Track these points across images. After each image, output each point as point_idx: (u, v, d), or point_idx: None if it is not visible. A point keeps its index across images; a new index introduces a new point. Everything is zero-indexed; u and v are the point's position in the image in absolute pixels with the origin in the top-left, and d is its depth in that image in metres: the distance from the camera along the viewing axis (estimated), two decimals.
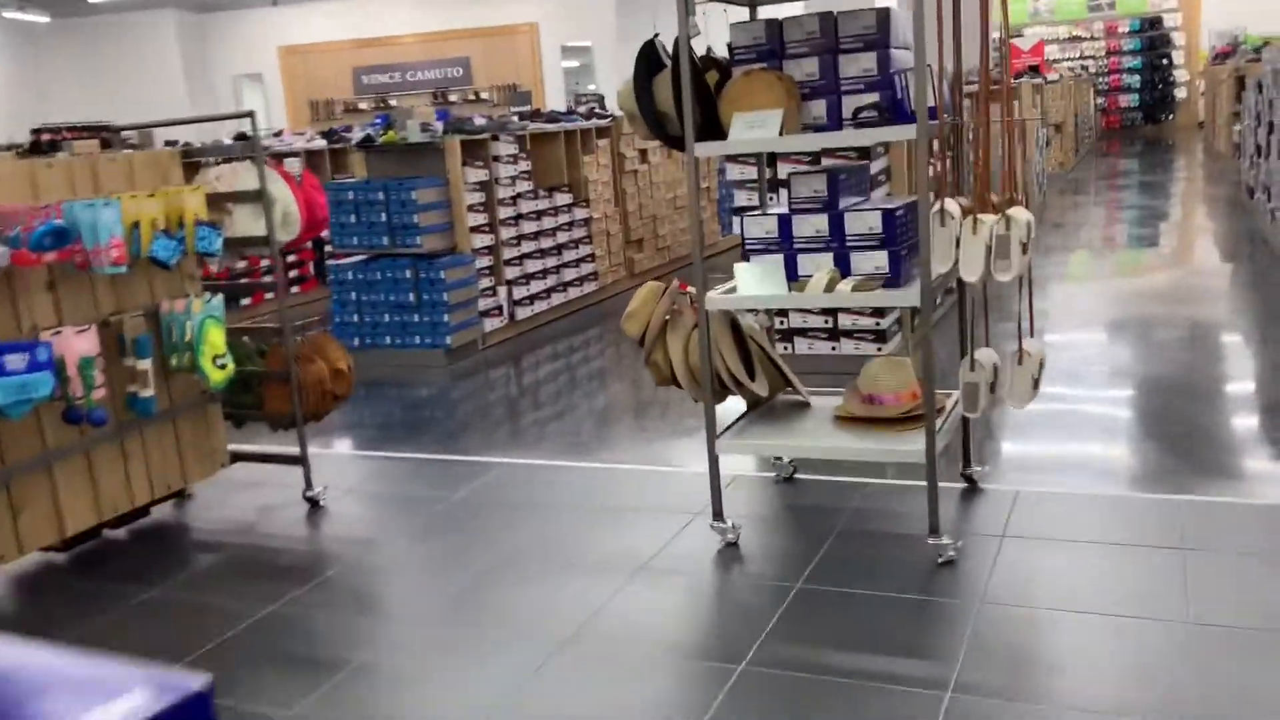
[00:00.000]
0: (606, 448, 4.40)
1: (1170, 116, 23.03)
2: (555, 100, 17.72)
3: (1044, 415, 4.19)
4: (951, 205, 2.95)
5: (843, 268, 3.19)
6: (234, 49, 19.23)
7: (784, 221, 3.26)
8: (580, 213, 7.73)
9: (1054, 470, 3.71)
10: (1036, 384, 3.16)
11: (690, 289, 3.27)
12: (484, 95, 18.72)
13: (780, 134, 2.96)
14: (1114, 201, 11.26)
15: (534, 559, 3.31)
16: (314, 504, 3.94)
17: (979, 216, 2.93)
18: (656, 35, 3.19)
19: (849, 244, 3.18)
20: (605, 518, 3.61)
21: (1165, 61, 22.96)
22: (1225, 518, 3.22)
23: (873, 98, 3.03)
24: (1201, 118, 21.33)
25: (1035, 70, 14.69)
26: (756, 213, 3.36)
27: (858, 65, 3.06)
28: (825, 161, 5.07)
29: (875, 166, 5.14)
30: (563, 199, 7.51)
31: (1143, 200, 11.26)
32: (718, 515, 3.28)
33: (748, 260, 3.31)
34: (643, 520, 3.55)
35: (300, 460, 3.92)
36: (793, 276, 3.25)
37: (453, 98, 19.09)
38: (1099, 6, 23.17)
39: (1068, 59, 23.16)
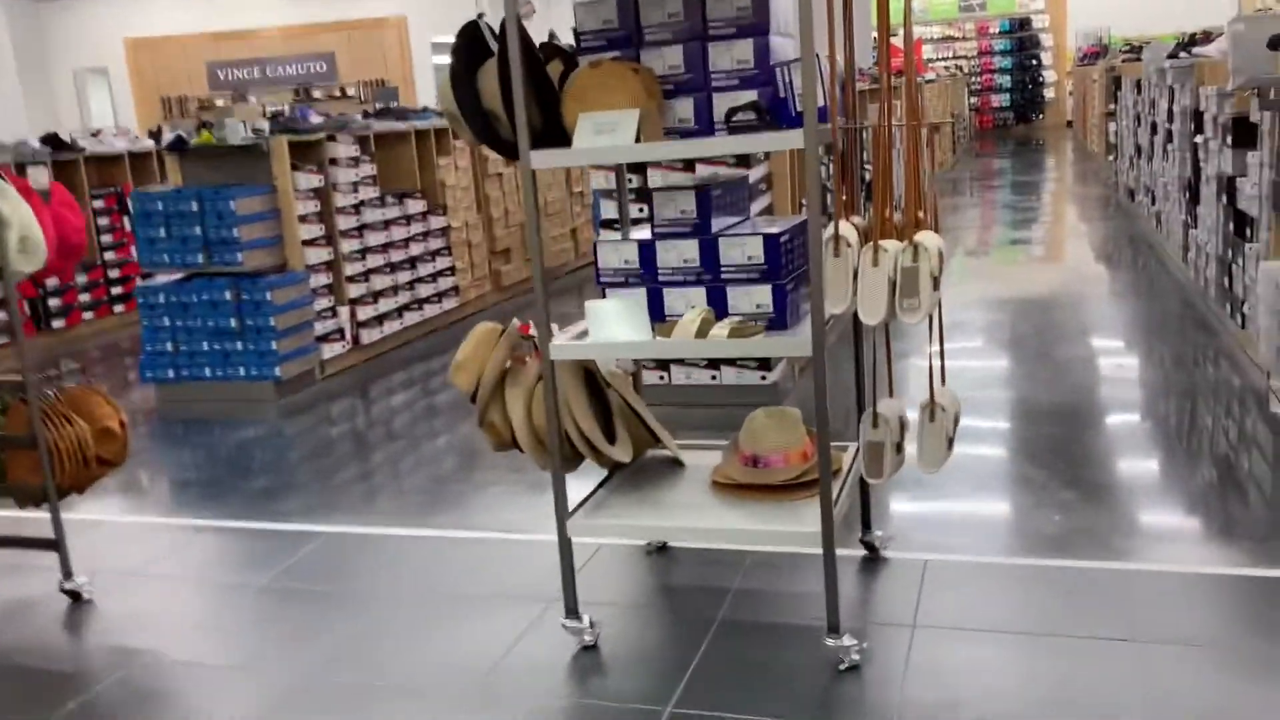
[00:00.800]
0: (454, 507, 3.73)
1: (1040, 116, 23.43)
2: (427, 96, 16.83)
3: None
4: (847, 230, 2.39)
5: (718, 306, 2.60)
6: (75, 40, 17.72)
7: (646, 249, 2.66)
8: (436, 221, 7.01)
9: (964, 529, 3.21)
10: (951, 443, 2.63)
11: (533, 331, 2.63)
12: (350, 92, 17.68)
13: (637, 140, 2.35)
14: (996, 203, 11.08)
15: (342, 678, 2.63)
16: (75, 598, 3.17)
17: (880, 244, 2.38)
18: (481, 15, 2.54)
19: (725, 276, 2.60)
20: (440, 610, 2.94)
21: (1035, 62, 23.35)
22: (1165, 592, 2.76)
23: (750, 96, 2.45)
24: (1070, 117, 21.73)
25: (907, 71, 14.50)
26: (613, 237, 2.75)
27: (731, 56, 2.47)
28: (702, 170, 4.49)
29: (755, 174, 4.59)
30: (415, 206, 6.78)
31: (1025, 201, 11.11)
32: (572, 611, 2.66)
33: (605, 296, 2.70)
34: (486, 613, 2.90)
35: (55, 544, 3.14)
36: (658, 316, 2.65)
37: (317, 94, 17.97)
38: (970, 7, 23.40)
39: (941, 59, 23.34)
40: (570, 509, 2.62)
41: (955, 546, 3.08)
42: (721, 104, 2.48)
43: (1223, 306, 5.21)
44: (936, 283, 2.37)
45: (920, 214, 2.48)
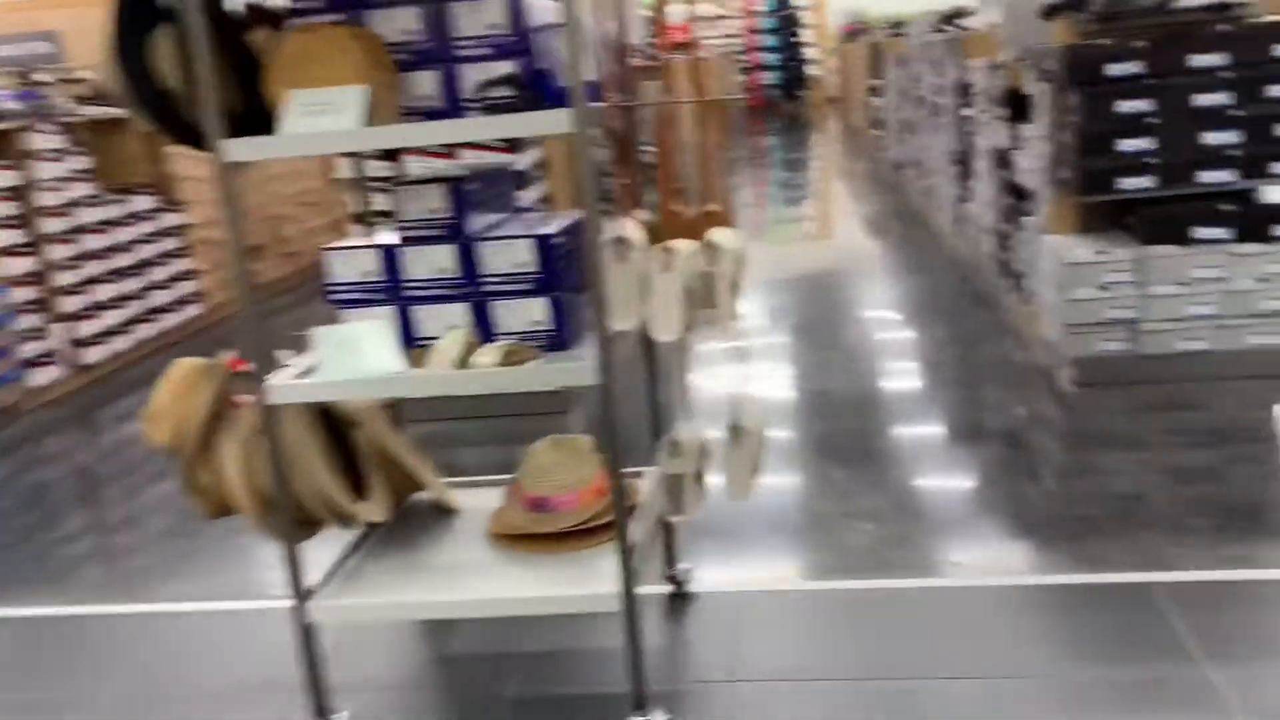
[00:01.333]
0: (183, 572, 3.11)
1: (805, 92, 24.09)
2: None
3: None
4: (632, 229, 1.98)
5: (483, 325, 2.15)
6: None
7: (389, 257, 2.16)
8: (171, 219, 6.17)
9: (775, 549, 2.90)
10: (757, 468, 2.29)
11: (249, 366, 2.08)
12: (84, 75, 15.87)
13: (365, 124, 1.86)
14: (773, 181, 11.10)
15: None
16: None
17: (670, 245, 1.99)
18: None
19: (489, 288, 2.14)
20: (155, 717, 2.36)
21: (798, 40, 23.97)
22: (993, 609, 2.53)
23: (505, 68, 2.00)
24: (834, 93, 22.43)
25: (685, 47, 14.43)
26: (348, 246, 2.24)
27: (479, 19, 2.01)
28: (468, 157, 3.99)
29: (524, 161, 4.14)
30: (144, 203, 5.92)
31: (797, 179, 11.19)
32: (322, 712, 2.15)
33: (341, 319, 2.18)
34: (216, 714, 2.34)
35: None
36: (409, 342, 2.17)
37: (44, 78, 16.05)
38: None
39: (709, 38, 23.57)
40: (311, 587, 2.11)
41: (768, 572, 2.77)
42: (470, 78, 2.01)
43: (1002, 280, 5.21)
44: (738, 289, 2.00)
45: (713, 207, 2.11)
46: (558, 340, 2.14)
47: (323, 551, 2.22)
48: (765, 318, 5.34)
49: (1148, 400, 3.74)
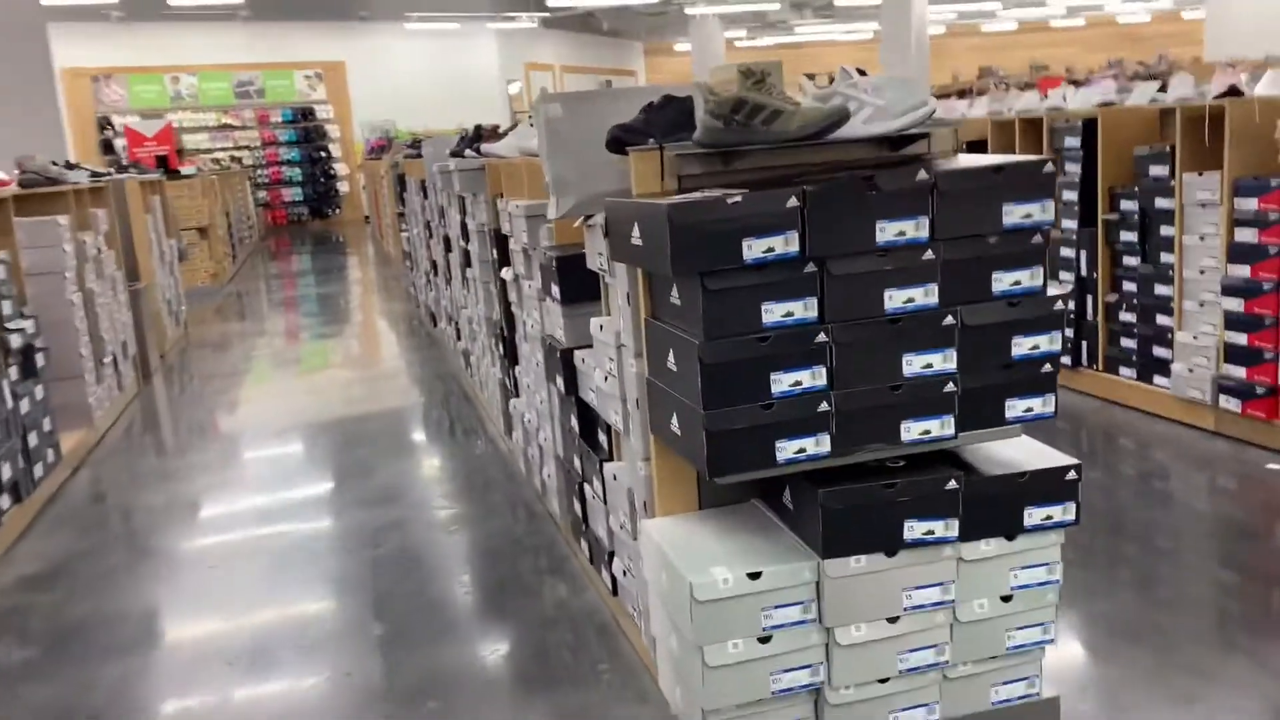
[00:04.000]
0: None
1: (337, 210, 21.92)
2: None
3: None
4: None
5: None
6: None
7: None
8: None
9: None
10: None
11: None
12: None
13: None
14: (282, 329, 8.74)
15: None
16: None
17: None
18: None
19: None
20: None
21: (324, 154, 21.82)
22: None
23: None
24: (367, 211, 20.49)
25: (164, 162, 11.69)
26: None
27: None
28: None
29: None
30: None
31: (320, 324, 8.95)
32: None
33: None
34: None
35: None
36: None
37: None
38: (247, 93, 21.12)
39: (221, 148, 20.70)
40: None
41: None
42: None
43: (576, 542, 3.39)
44: None
45: None
46: None
47: None
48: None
49: None
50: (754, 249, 1.95)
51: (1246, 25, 13.29)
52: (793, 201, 1.95)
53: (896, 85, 2.10)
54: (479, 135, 5.22)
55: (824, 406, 2.02)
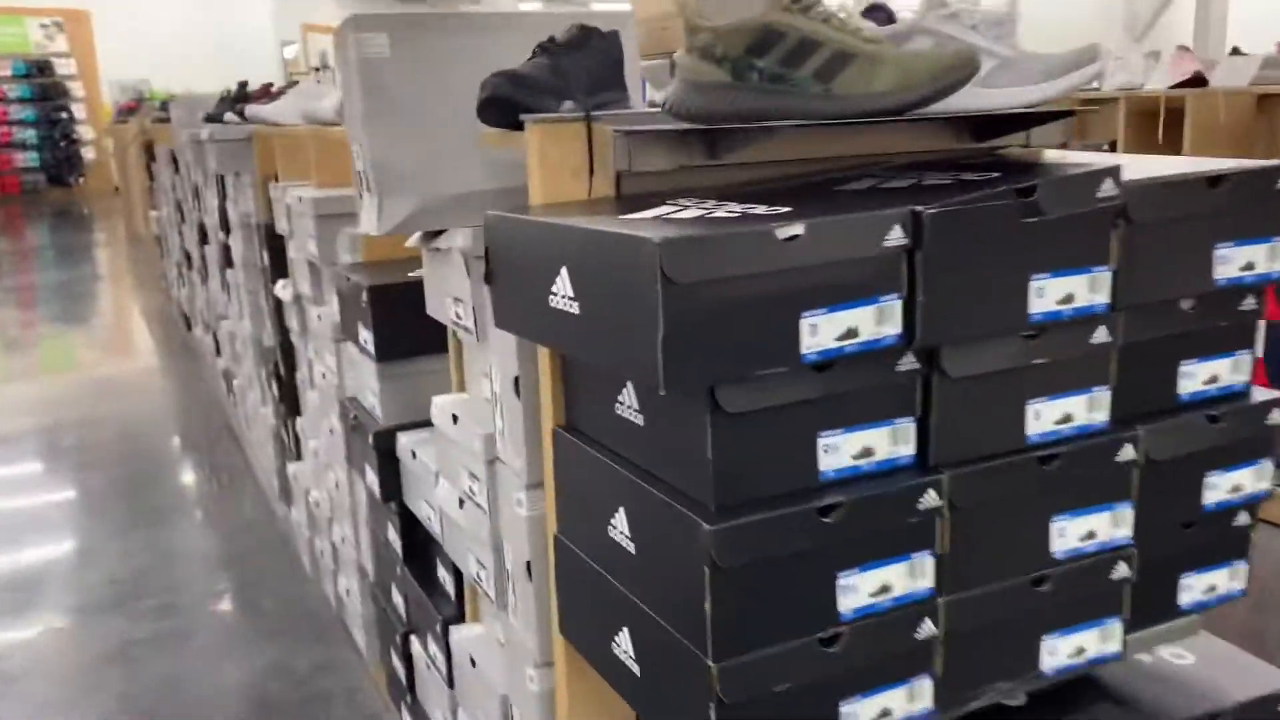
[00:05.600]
0: None
1: (81, 179, 19.17)
2: None
3: None
4: None
5: None
6: None
7: None
8: None
9: None
10: None
11: None
12: None
13: None
14: (11, 323, 6.96)
15: None
16: None
17: None
18: None
19: None
20: None
21: (66, 115, 19.02)
22: None
23: None
24: (117, 182, 17.96)
25: None
26: None
27: None
28: None
29: None
30: None
31: (45, 321, 7.20)
32: None
33: None
34: None
35: None
36: None
37: None
38: None
39: None
40: None
41: None
42: None
43: (395, 705, 2.28)
44: None
45: None
46: None
47: None
48: None
49: None
50: (822, 333, 0.95)
51: None
52: (896, 235, 0.96)
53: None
54: (245, 95, 3.94)
55: (927, 629, 1.05)
